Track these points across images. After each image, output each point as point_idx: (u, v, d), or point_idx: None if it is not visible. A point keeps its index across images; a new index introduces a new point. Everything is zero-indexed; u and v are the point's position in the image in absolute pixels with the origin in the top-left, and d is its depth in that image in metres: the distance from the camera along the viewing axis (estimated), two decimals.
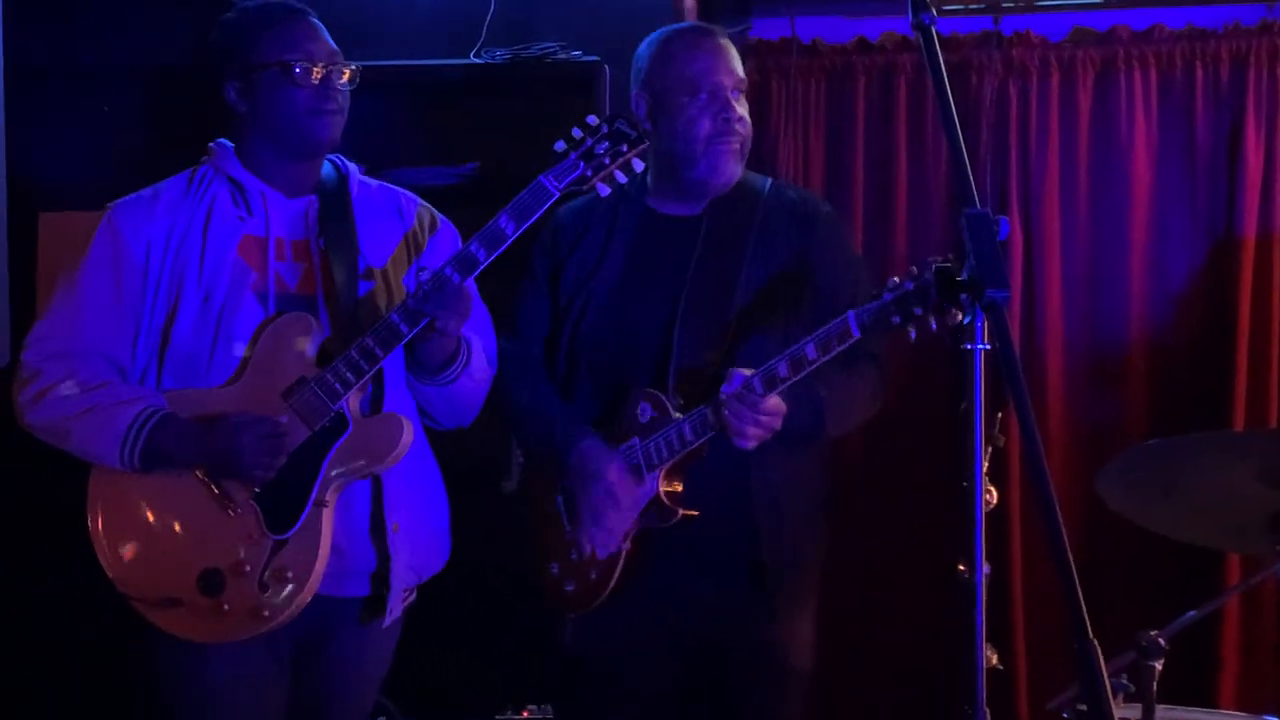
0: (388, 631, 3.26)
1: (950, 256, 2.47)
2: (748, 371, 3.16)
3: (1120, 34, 4.79)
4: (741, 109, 3.40)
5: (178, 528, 3.10)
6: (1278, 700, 4.29)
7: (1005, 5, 4.81)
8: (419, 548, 3.25)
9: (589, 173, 2.99)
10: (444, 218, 3.41)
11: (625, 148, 3.00)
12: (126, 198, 3.23)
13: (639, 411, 3.29)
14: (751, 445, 3.18)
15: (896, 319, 2.94)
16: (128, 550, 3.12)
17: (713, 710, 3.45)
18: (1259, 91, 4.69)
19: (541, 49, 4.49)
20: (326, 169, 3.30)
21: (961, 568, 2.37)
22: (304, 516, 3.04)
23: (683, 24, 3.53)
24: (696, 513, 3.28)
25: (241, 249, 3.15)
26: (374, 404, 3.18)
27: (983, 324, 2.27)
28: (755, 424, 3.15)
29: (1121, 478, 3.32)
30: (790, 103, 4.91)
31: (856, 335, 3.04)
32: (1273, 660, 4.65)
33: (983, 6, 4.81)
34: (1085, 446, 4.78)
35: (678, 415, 3.25)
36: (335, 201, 3.26)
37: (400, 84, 4.57)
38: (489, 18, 4.58)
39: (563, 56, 4.49)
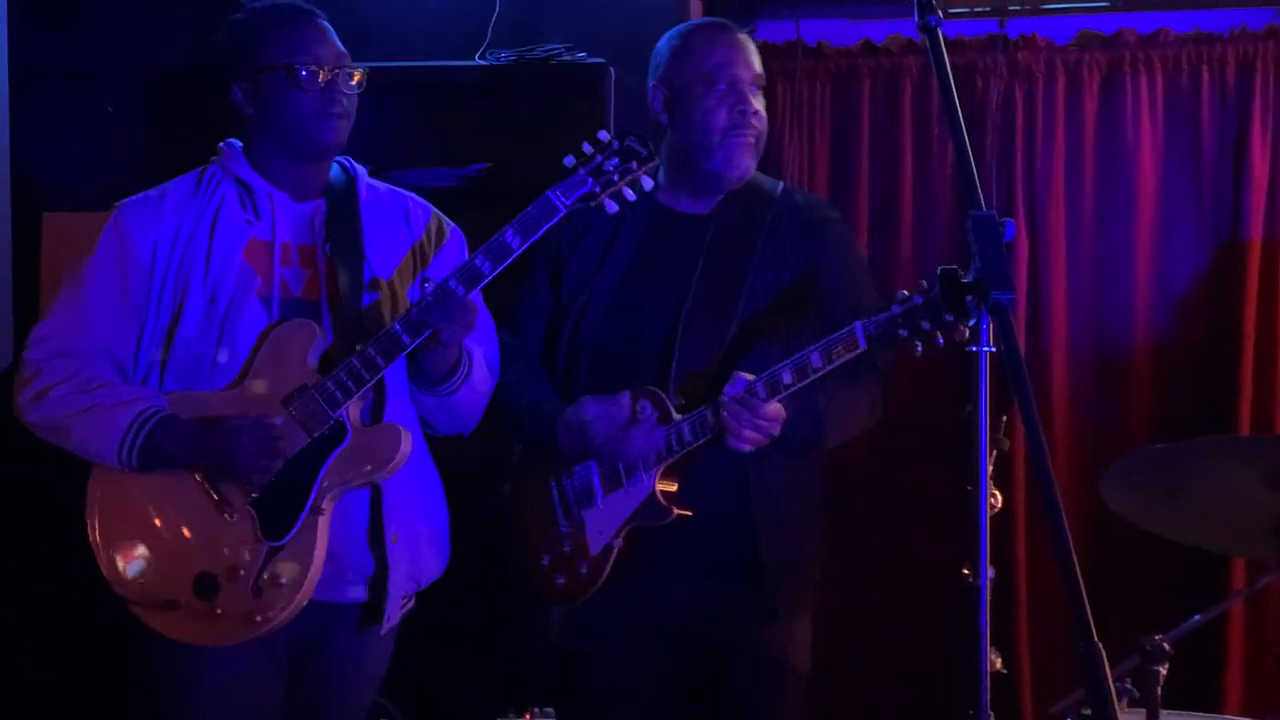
0: (385, 635, 3.25)
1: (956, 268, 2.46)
2: (751, 376, 3.15)
3: (1126, 38, 4.79)
4: (758, 104, 3.40)
5: (175, 531, 3.09)
6: None
7: (1011, 8, 4.81)
8: (418, 556, 3.24)
9: (597, 189, 2.99)
10: (454, 226, 3.39)
11: (635, 165, 2.99)
12: (134, 197, 3.22)
13: (639, 409, 3.29)
14: (748, 449, 3.17)
15: (904, 332, 2.94)
16: (125, 552, 3.11)
17: (712, 711, 3.44)
18: (1265, 96, 4.69)
19: (547, 51, 4.49)
20: (335, 172, 3.29)
21: (966, 571, 2.37)
22: (299, 523, 3.03)
23: (704, 19, 3.53)
24: (691, 512, 3.27)
25: (248, 253, 3.15)
26: (375, 413, 3.17)
27: (988, 326, 2.27)
28: (754, 428, 3.15)
29: (1126, 480, 3.31)
30: (795, 105, 4.91)
31: (863, 347, 3.05)
32: (1278, 665, 4.64)
33: (988, 9, 4.81)
34: (1090, 449, 4.78)
35: (677, 415, 3.24)
36: (343, 207, 3.25)
37: (406, 85, 4.57)
38: (494, 19, 4.59)
39: (568, 58, 4.49)
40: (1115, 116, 4.81)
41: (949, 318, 2.85)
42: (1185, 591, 4.44)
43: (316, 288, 3.18)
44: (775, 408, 3.15)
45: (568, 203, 2.98)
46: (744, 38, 3.46)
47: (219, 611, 3.03)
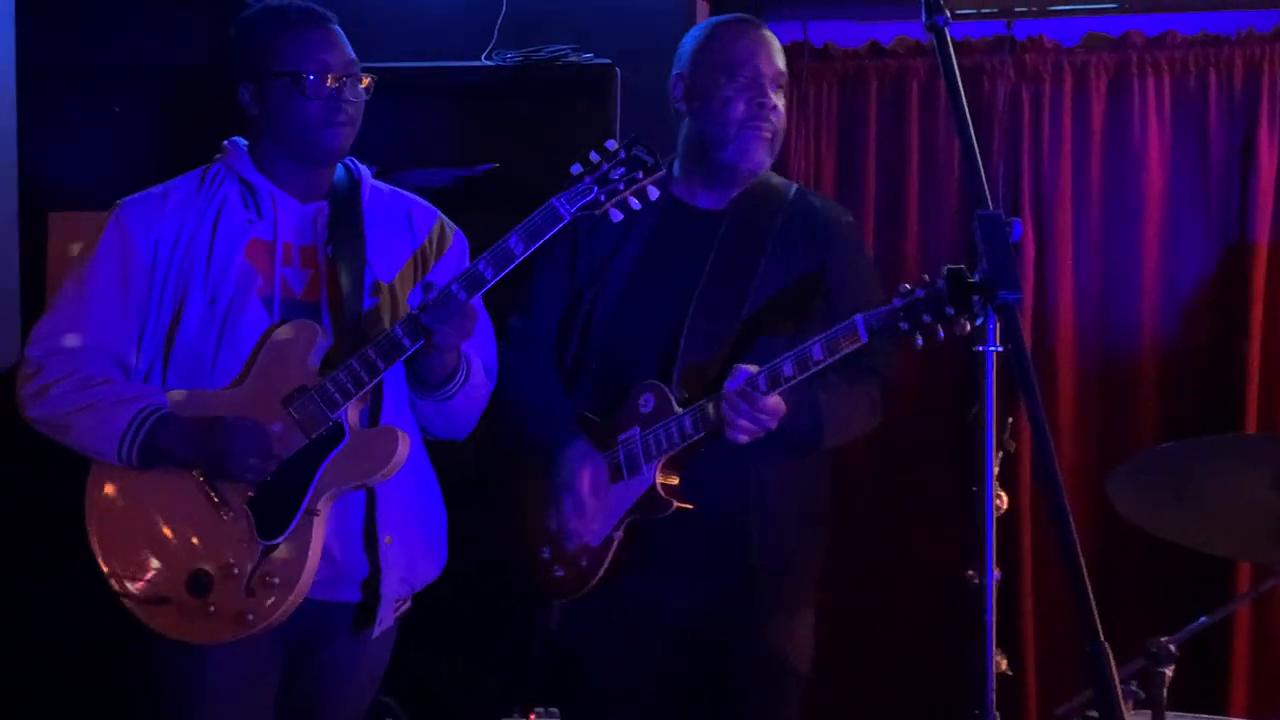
0: (382, 637, 3.25)
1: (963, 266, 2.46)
2: (753, 368, 3.16)
3: (1134, 39, 4.78)
4: (778, 100, 3.41)
5: (172, 529, 3.10)
6: None
7: (1018, 10, 4.80)
8: (412, 560, 3.24)
9: (602, 197, 2.98)
10: (458, 231, 3.39)
11: (641, 174, 2.98)
12: (135, 195, 3.22)
13: (641, 402, 3.30)
14: (743, 440, 3.17)
15: (905, 325, 2.94)
16: (122, 548, 3.12)
17: (712, 710, 3.44)
18: (1273, 98, 4.68)
19: (553, 51, 4.49)
20: (339, 173, 3.29)
21: (971, 572, 2.37)
22: (294, 524, 3.03)
23: (732, 15, 3.54)
24: (691, 505, 3.27)
25: (249, 252, 3.15)
26: (372, 416, 3.17)
27: (994, 326, 2.27)
28: (750, 419, 3.15)
29: (1132, 482, 3.31)
30: (802, 107, 4.91)
31: (864, 339, 3.05)
32: None
33: (995, 11, 4.80)
34: (1096, 450, 4.78)
35: (679, 408, 3.25)
36: (346, 209, 3.25)
37: (412, 86, 4.57)
38: (500, 20, 4.59)
39: (574, 59, 4.49)
40: (1122, 118, 4.80)
41: (950, 311, 2.85)
42: (1191, 593, 4.43)
43: (317, 289, 3.18)
44: (775, 401, 3.15)
45: (572, 210, 2.98)
46: (770, 35, 3.46)
47: (212, 609, 3.03)
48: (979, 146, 2.35)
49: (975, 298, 2.26)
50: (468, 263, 3.09)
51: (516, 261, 3.00)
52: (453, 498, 3.40)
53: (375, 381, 3.05)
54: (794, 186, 3.54)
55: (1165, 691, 3.11)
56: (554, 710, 4.06)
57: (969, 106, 2.35)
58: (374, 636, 3.21)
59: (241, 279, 3.12)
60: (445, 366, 3.14)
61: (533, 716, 4.10)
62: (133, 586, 3.09)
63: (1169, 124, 4.78)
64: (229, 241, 3.14)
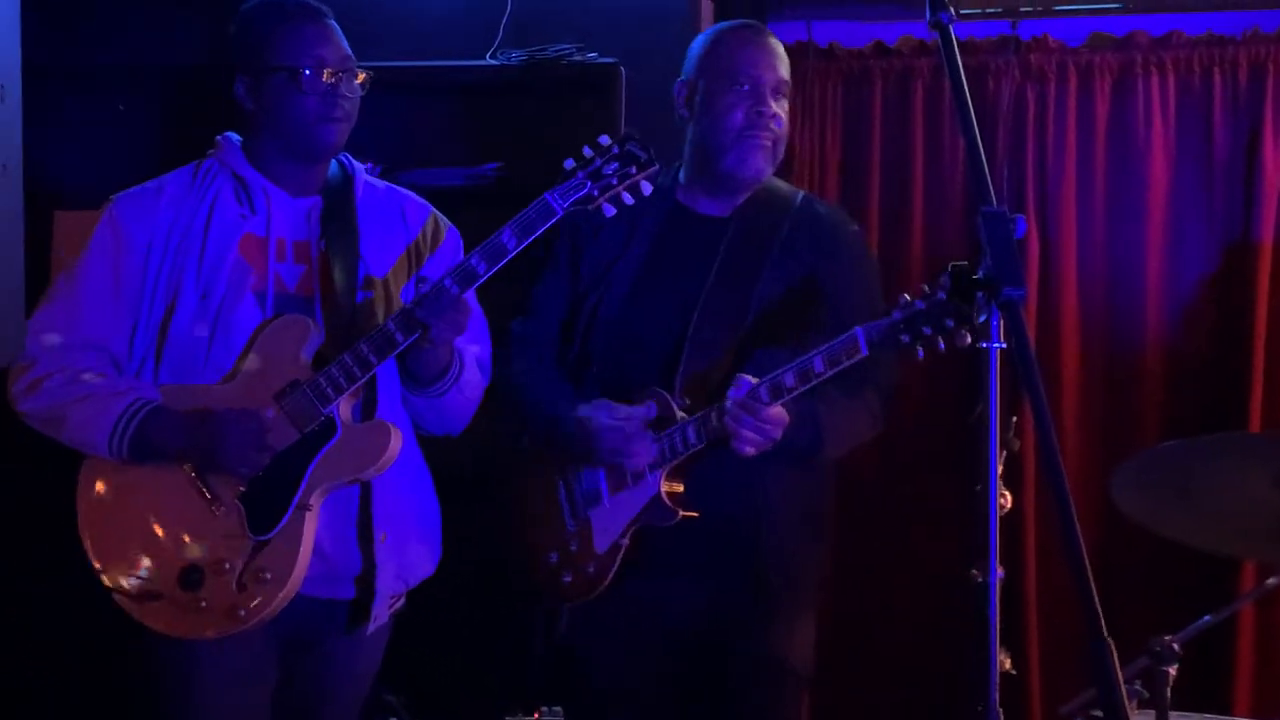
0: (377, 634, 3.25)
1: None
2: (755, 379, 3.16)
3: (1138, 39, 4.78)
4: (778, 108, 3.40)
5: (163, 523, 3.09)
6: None
7: (1023, 9, 4.80)
8: (406, 556, 3.24)
9: (595, 192, 2.98)
10: (451, 226, 3.39)
11: (634, 170, 2.98)
12: (129, 190, 3.22)
13: (645, 409, 3.29)
14: (750, 451, 3.18)
15: (905, 338, 2.95)
16: (113, 543, 3.12)
17: (712, 711, 3.44)
18: (1278, 98, 4.68)
19: (557, 51, 4.49)
20: (333, 169, 3.29)
21: (975, 571, 2.37)
22: (286, 519, 3.03)
23: (739, 21, 3.54)
24: (696, 514, 3.28)
25: (242, 247, 3.15)
26: (366, 411, 3.16)
27: (998, 322, 2.26)
28: (756, 430, 3.15)
29: (1136, 481, 3.31)
30: (806, 107, 4.91)
31: (864, 352, 3.05)
32: None
33: (1000, 11, 4.80)
34: (1100, 448, 4.78)
35: (682, 416, 3.25)
36: (339, 204, 3.25)
37: (416, 85, 4.58)
38: (505, 19, 4.59)
39: (579, 59, 4.49)
40: (1127, 118, 4.80)
41: (950, 323, 2.86)
42: (1195, 592, 4.42)
43: (310, 284, 3.18)
44: (778, 411, 3.16)
45: (565, 205, 2.98)
46: (774, 43, 3.46)
47: (203, 604, 3.03)
48: (983, 146, 2.35)
49: (979, 294, 2.25)
50: (462, 257, 3.09)
51: (510, 256, 2.99)
52: (453, 497, 3.40)
53: (368, 376, 3.06)
54: (800, 194, 3.55)
55: (1169, 690, 3.11)
56: (558, 709, 4.07)
57: (974, 106, 2.35)
58: (369, 633, 3.21)
59: (235, 274, 3.12)
60: (438, 361, 3.14)
61: (537, 715, 4.11)
62: (124, 582, 3.09)
63: (1173, 124, 4.78)
64: (222, 236, 3.14)
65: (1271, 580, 3.38)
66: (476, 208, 3.56)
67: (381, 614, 3.20)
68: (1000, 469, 2.42)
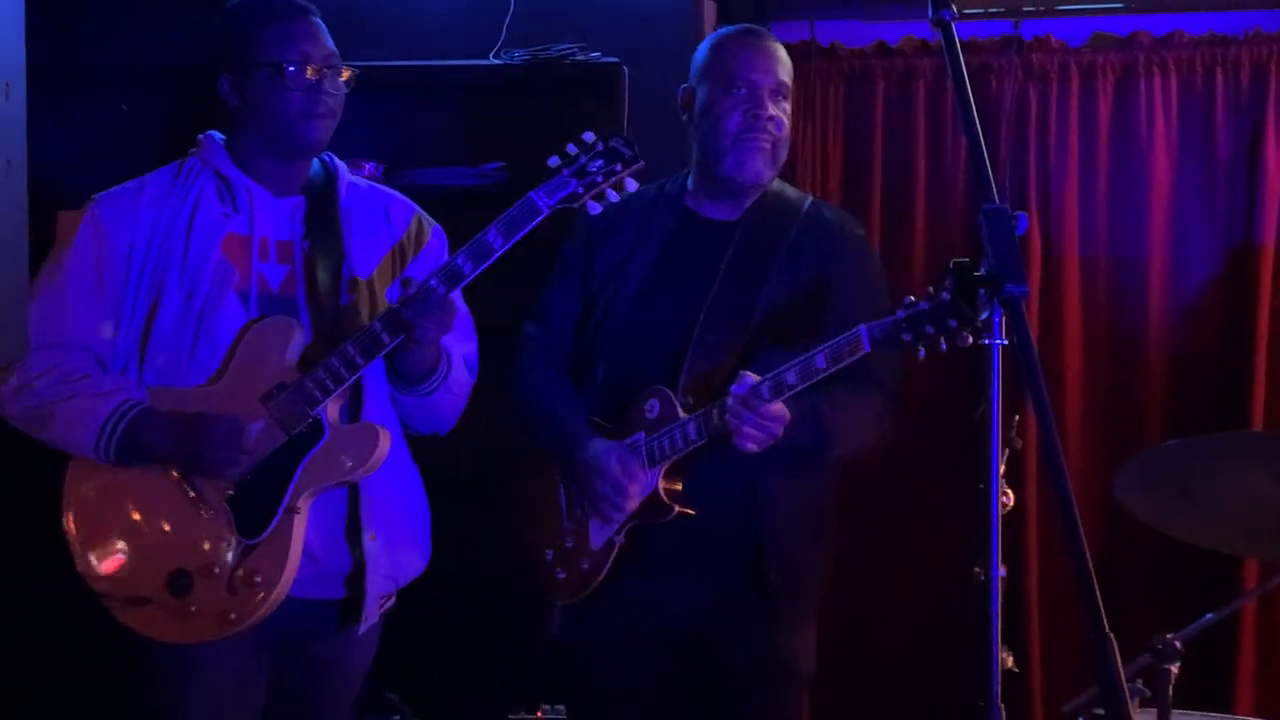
0: (368, 634, 3.25)
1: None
2: (757, 376, 3.16)
3: (1141, 39, 4.79)
4: (777, 110, 3.40)
5: (150, 527, 3.08)
6: None
7: (1025, 10, 4.80)
8: (396, 555, 3.23)
9: (580, 190, 2.97)
10: (435, 225, 3.38)
11: (619, 167, 2.98)
12: (111, 190, 3.22)
13: (647, 407, 3.30)
14: (752, 448, 3.17)
15: (908, 336, 2.95)
16: (100, 547, 3.10)
17: (712, 711, 3.44)
18: None
19: (560, 50, 4.48)
20: (315, 168, 3.28)
21: (977, 569, 2.37)
22: (275, 522, 3.02)
23: (739, 26, 3.54)
24: (693, 511, 3.28)
25: (225, 247, 3.13)
26: (353, 412, 3.16)
27: (1000, 319, 2.27)
28: (757, 427, 3.15)
29: (1139, 480, 3.31)
30: (808, 106, 4.91)
31: (867, 349, 3.05)
32: None
33: (1002, 10, 4.80)
34: (1102, 448, 4.78)
35: (684, 414, 3.25)
36: (323, 203, 3.24)
37: (418, 85, 4.59)
38: (508, 19, 4.58)
39: (582, 58, 4.48)
40: (1129, 118, 4.80)
41: (953, 323, 2.86)
42: (1198, 590, 4.43)
43: (294, 284, 3.17)
44: (779, 407, 3.16)
45: (550, 203, 2.98)
46: (774, 46, 3.46)
47: (193, 609, 3.02)
48: (986, 146, 2.35)
49: (981, 291, 2.26)
50: (447, 256, 3.08)
51: (496, 255, 2.98)
52: (452, 497, 3.40)
53: (355, 378, 3.05)
54: (808, 199, 3.55)
55: (1171, 689, 3.11)
56: (560, 707, 4.07)
57: (976, 106, 2.36)
58: (360, 633, 3.20)
59: (218, 274, 3.11)
60: (425, 361, 3.13)
61: (539, 713, 4.11)
62: (111, 586, 3.08)
63: (1175, 124, 4.79)
64: (205, 236, 3.13)
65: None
66: (478, 208, 3.55)
67: (372, 614, 3.20)
68: (1002, 467, 2.42)
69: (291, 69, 3.11)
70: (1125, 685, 1.96)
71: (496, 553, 3.64)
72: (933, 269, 4.82)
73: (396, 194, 3.41)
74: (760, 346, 3.34)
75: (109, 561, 3.09)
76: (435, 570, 3.36)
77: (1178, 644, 3.10)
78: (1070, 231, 4.81)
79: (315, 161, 3.28)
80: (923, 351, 2.94)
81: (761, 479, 3.32)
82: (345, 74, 3.18)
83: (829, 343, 3.09)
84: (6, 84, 2.33)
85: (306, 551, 3.06)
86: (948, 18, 2.38)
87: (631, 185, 3.00)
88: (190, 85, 4.60)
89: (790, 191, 3.56)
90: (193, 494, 3.06)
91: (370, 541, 3.15)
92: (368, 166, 4.39)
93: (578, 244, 3.55)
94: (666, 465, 3.28)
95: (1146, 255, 4.79)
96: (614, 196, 3.00)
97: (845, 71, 4.97)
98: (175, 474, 3.07)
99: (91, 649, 3.93)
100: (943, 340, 2.91)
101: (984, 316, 2.29)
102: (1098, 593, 1.98)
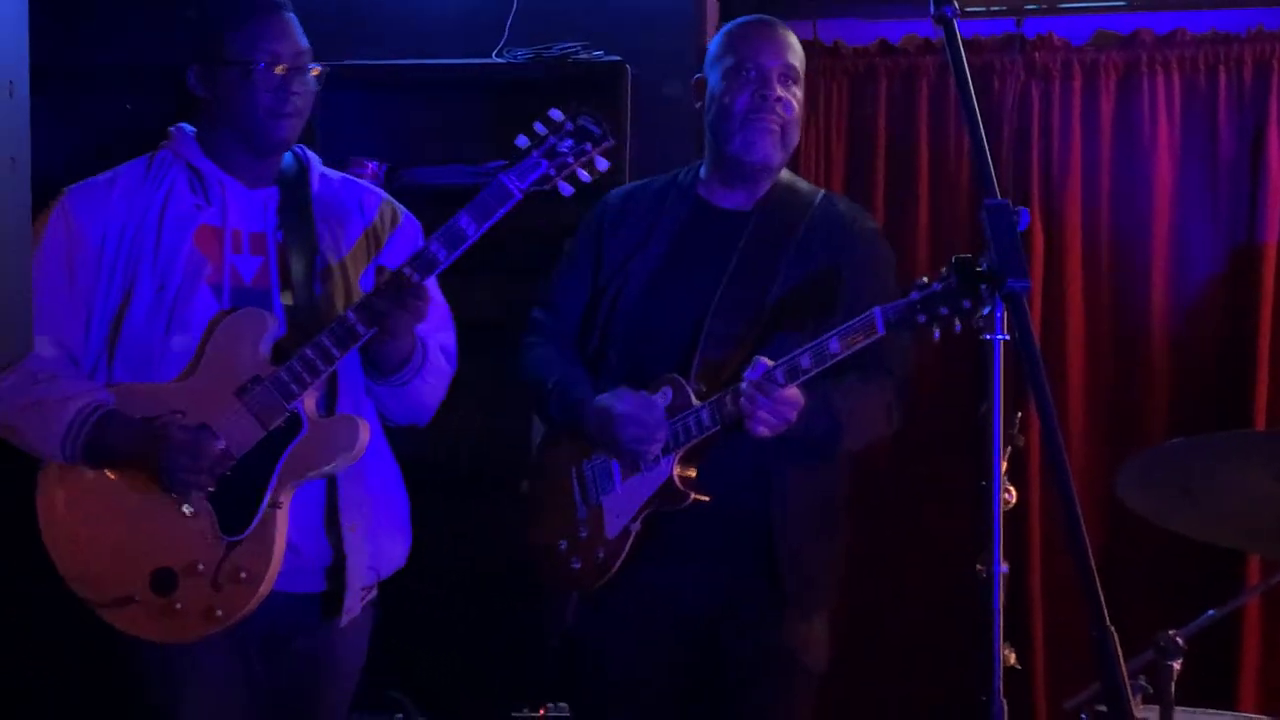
0: (357, 627, 3.24)
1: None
2: (771, 361, 3.17)
3: (1143, 38, 4.78)
4: (785, 93, 3.42)
5: (131, 526, 3.05)
6: None
7: (1028, 8, 4.81)
8: (377, 547, 3.22)
9: (552, 171, 2.97)
10: (407, 213, 3.37)
11: (590, 146, 2.97)
12: (82, 183, 3.19)
13: (660, 395, 3.30)
14: (765, 433, 3.18)
15: (922, 318, 2.96)
16: (79, 548, 3.08)
17: (722, 700, 3.44)
18: None
19: (563, 49, 4.49)
20: (287, 160, 3.27)
21: (980, 567, 2.37)
22: (258, 518, 3.00)
23: (751, 15, 3.56)
24: (708, 498, 3.29)
25: (198, 239, 3.12)
26: (328, 404, 3.14)
27: (1002, 314, 2.27)
28: (771, 411, 3.15)
29: (1140, 478, 3.31)
30: (812, 105, 4.90)
31: (881, 331, 3.06)
32: None
33: (1005, 9, 4.81)
34: (1104, 445, 4.78)
35: (697, 401, 3.25)
36: (295, 195, 3.22)
37: (421, 83, 4.59)
38: (511, 17, 4.59)
39: (584, 56, 4.50)
40: (1132, 116, 4.80)
41: (967, 304, 2.87)
42: (1200, 587, 4.43)
43: (267, 276, 3.16)
44: (793, 392, 3.16)
45: (523, 186, 2.97)
46: (783, 32, 3.49)
47: (178, 607, 3.00)
48: (988, 145, 2.35)
49: (983, 286, 2.26)
50: (421, 244, 3.07)
51: (470, 241, 2.97)
52: (450, 494, 3.40)
53: (330, 369, 3.03)
54: (821, 192, 3.57)
55: (1174, 685, 3.11)
56: (563, 705, 4.07)
57: (978, 105, 2.36)
58: (343, 625, 3.18)
59: (190, 265, 3.09)
60: (401, 351, 3.13)
61: (543, 711, 4.11)
62: (94, 587, 3.06)
63: (1178, 122, 4.78)
64: (177, 228, 3.11)
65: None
66: None
67: (354, 606, 3.18)
68: (1005, 464, 2.43)
69: (260, 67, 3.10)
70: (1128, 681, 1.96)
71: (498, 549, 3.64)
72: (936, 267, 4.79)
73: (370, 185, 3.41)
74: (771, 335, 3.35)
75: (89, 563, 3.07)
76: (437, 568, 3.37)
77: (1180, 640, 3.10)
78: (1073, 230, 4.81)
79: (287, 155, 3.27)
80: (937, 333, 2.94)
81: (774, 467, 3.33)
82: (315, 71, 3.17)
83: (843, 325, 3.10)
84: (10, 82, 2.33)
85: (288, 545, 3.04)
86: (950, 14, 2.38)
87: (602, 164, 3.00)
88: (186, 86, 4.62)
89: (802, 184, 3.57)
90: (172, 492, 3.03)
91: (350, 533, 3.14)
92: (370, 165, 4.39)
93: (587, 231, 3.57)
94: (681, 452, 3.29)
95: (1149, 254, 4.78)
96: (585, 177, 3.00)
97: (848, 70, 4.97)
98: (152, 472, 3.03)
99: (91, 649, 3.94)
100: (957, 321, 2.92)
101: (986, 312, 2.30)
102: (1099, 588, 1.98)
